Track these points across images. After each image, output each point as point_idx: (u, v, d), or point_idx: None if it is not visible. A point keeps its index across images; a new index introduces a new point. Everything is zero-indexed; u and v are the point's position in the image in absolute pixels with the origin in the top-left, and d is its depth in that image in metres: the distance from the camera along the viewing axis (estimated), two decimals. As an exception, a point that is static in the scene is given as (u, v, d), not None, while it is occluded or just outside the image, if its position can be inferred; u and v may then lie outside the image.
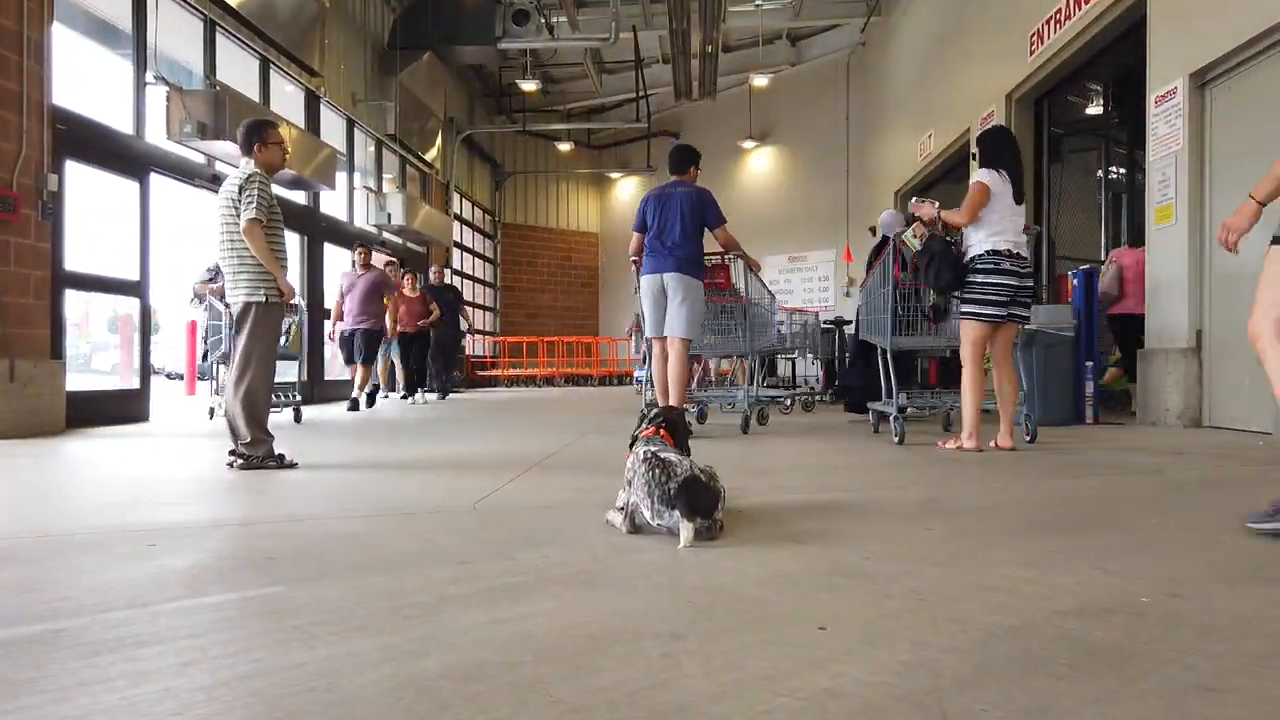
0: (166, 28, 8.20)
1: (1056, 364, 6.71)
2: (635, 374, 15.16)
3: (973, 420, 4.80)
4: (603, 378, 19.64)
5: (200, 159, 8.73)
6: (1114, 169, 11.12)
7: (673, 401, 5.52)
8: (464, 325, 12.97)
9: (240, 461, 4.17)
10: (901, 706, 1.22)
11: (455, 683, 1.33)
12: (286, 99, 10.87)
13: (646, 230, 5.79)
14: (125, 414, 7.48)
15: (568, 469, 4.21)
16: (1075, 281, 7.12)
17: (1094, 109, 10.98)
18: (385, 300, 9.81)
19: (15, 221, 6.15)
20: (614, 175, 21.91)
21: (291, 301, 4.54)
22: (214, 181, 8.55)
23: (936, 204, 5.07)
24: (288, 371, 7.90)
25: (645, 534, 2.46)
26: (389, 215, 13.09)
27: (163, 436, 6.29)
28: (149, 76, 7.96)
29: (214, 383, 7.72)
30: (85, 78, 7.42)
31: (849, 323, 10.41)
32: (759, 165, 19.72)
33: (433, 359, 11.84)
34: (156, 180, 8.02)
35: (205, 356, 7.77)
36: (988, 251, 4.75)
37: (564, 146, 20.78)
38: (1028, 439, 5.25)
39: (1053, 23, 8.59)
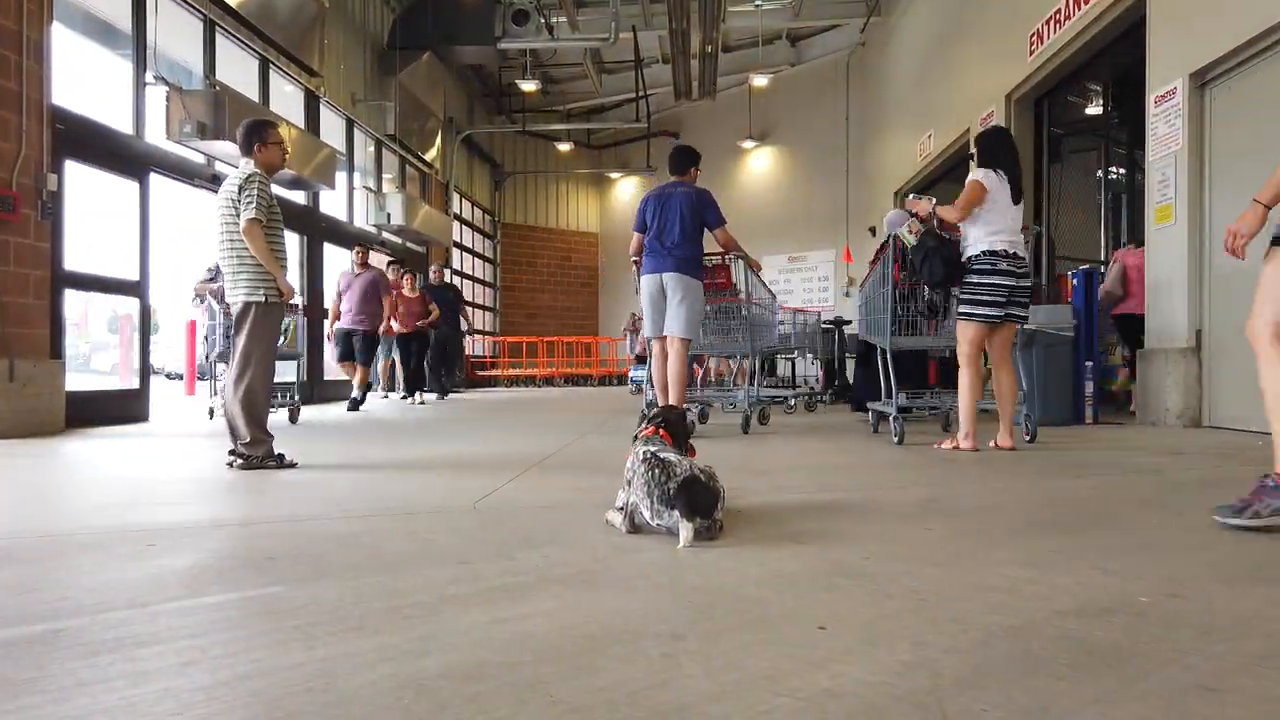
0: (166, 28, 8.20)
1: (1056, 364, 6.71)
2: (630, 374, 15.10)
3: (969, 420, 4.80)
4: (602, 378, 19.63)
5: (200, 159, 8.73)
6: (1114, 169, 11.12)
7: (672, 401, 5.52)
8: (464, 325, 12.95)
9: (240, 461, 4.17)
10: (901, 706, 1.22)
11: (455, 683, 1.33)
12: (286, 99, 10.87)
13: (646, 230, 5.80)
14: (125, 414, 7.48)
15: (567, 469, 4.21)
16: (1075, 281, 7.12)
17: (1094, 109, 10.98)
18: (383, 299, 9.78)
19: (15, 221, 6.15)
20: (614, 175, 21.91)
21: (291, 301, 4.54)
22: (214, 181, 8.55)
23: (933, 200, 5.07)
24: (286, 372, 7.91)
25: (645, 534, 2.46)
26: (388, 215, 13.09)
27: (162, 436, 6.29)
28: (149, 76, 7.96)
29: (213, 382, 7.72)
30: (85, 77, 7.42)
31: (849, 323, 10.42)
32: (759, 165, 19.72)
33: (432, 359, 11.83)
34: (156, 180, 8.02)
35: (208, 356, 7.78)
36: (984, 252, 4.75)
37: (564, 146, 20.78)
38: (1027, 439, 5.25)
39: (1052, 23, 8.59)
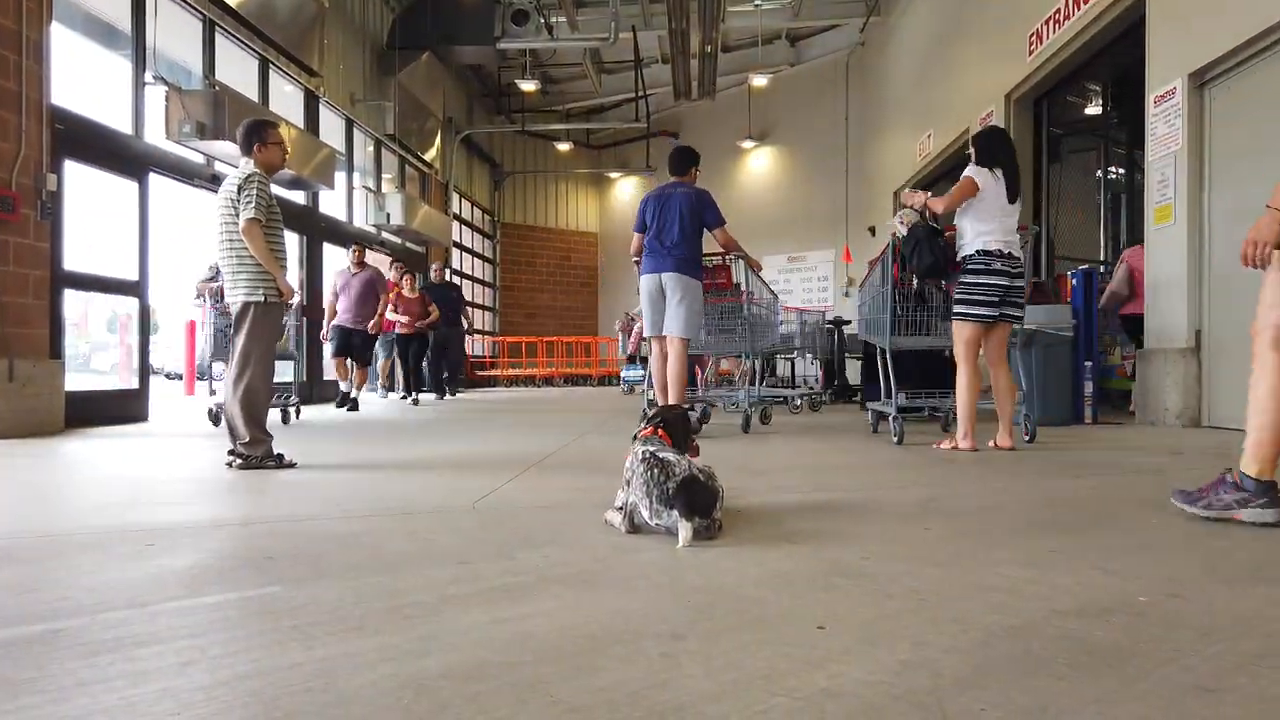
0: (165, 28, 8.20)
1: (1055, 364, 6.71)
2: (622, 374, 15.01)
3: (967, 420, 4.80)
4: (601, 378, 19.64)
5: (199, 159, 8.73)
6: (1113, 169, 11.12)
7: (672, 400, 5.53)
8: (465, 324, 12.90)
9: (239, 461, 4.17)
10: (900, 706, 1.22)
11: (455, 683, 1.33)
12: (285, 99, 10.87)
13: (646, 230, 5.81)
14: (124, 414, 7.48)
15: (567, 469, 4.21)
16: (1074, 281, 7.12)
17: (1093, 109, 10.99)
18: (379, 298, 9.75)
19: (14, 221, 6.15)
20: (613, 175, 21.92)
21: (291, 301, 4.54)
22: (213, 181, 8.55)
23: (928, 193, 5.09)
24: (284, 372, 7.91)
25: (644, 534, 2.46)
26: (388, 215, 13.10)
27: (162, 436, 6.29)
28: (148, 76, 7.96)
29: (210, 381, 7.70)
30: (84, 77, 7.42)
31: (848, 323, 10.42)
32: (758, 165, 19.72)
33: (432, 359, 11.83)
34: (155, 180, 8.02)
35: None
36: (978, 251, 4.75)
37: (563, 146, 20.79)
38: (1027, 439, 5.25)
39: (1052, 23, 8.59)
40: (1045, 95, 9.83)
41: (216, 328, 7.13)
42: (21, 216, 6.21)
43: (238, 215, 4.23)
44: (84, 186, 7.09)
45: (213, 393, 7.37)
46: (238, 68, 9.67)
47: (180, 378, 18.05)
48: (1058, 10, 8.44)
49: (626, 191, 21.78)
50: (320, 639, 1.54)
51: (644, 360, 14.01)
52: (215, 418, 6.86)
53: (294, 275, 10.57)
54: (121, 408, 7.51)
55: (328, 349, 9.67)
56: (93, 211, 7.40)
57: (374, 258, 12.80)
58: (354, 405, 9.32)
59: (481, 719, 1.20)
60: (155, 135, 8.05)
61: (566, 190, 22.06)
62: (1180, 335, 6.48)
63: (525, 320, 20.62)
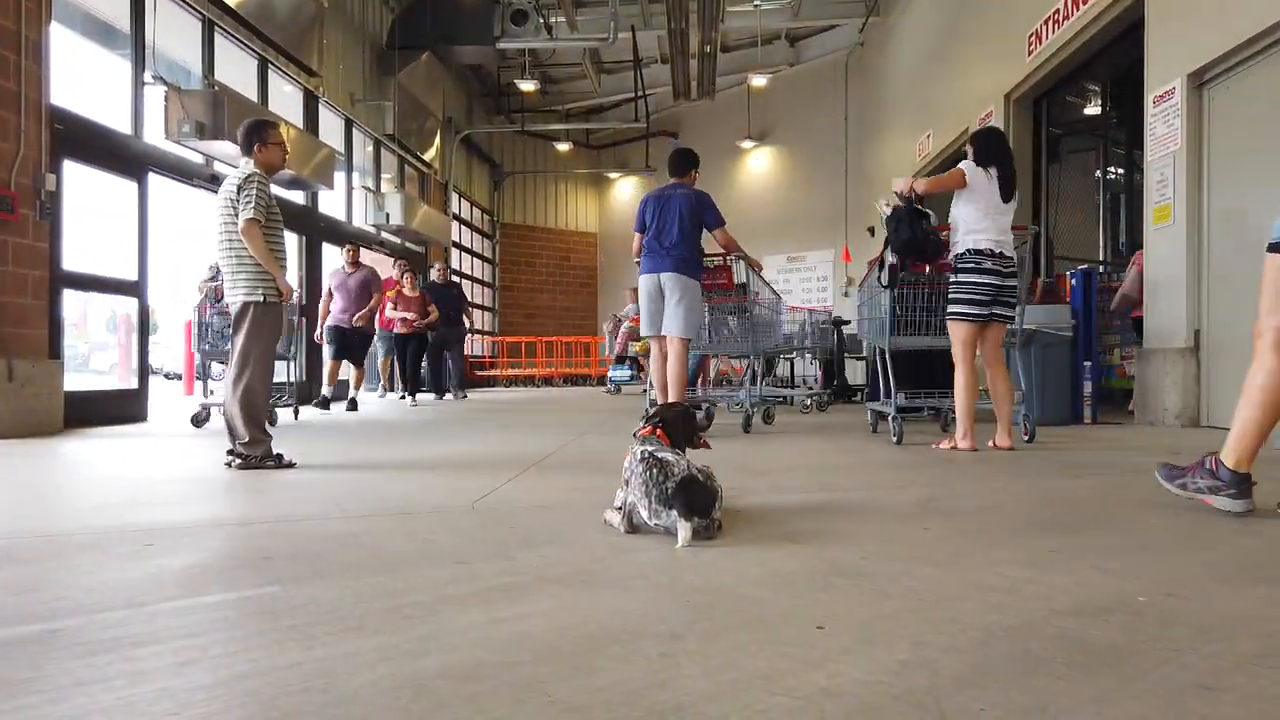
0: (165, 27, 8.20)
1: (1055, 364, 6.72)
2: (610, 374, 14.91)
3: (966, 420, 4.80)
4: (601, 378, 19.61)
5: (199, 159, 8.73)
6: (1112, 169, 11.13)
7: (672, 399, 5.53)
8: (466, 323, 12.83)
9: (238, 461, 4.16)
10: (899, 706, 1.22)
11: (453, 682, 1.33)
12: (285, 99, 10.86)
13: (645, 230, 5.82)
14: (123, 414, 7.48)
15: (566, 469, 4.21)
16: (1074, 281, 7.12)
17: (1092, 109, 11.00)
18: (374, 296, 9.68)
19: (13, 221, 6.15)
20: (612, 175, 21.91)
21: (290, 301, 4.54)
22: (212, 181, 8.55)
23: (914, 178, 5.11)
24: (278, 373, 7.88)
25: (643, 534, 2.46)
26: (387, 215, 13.09)
27: (161, 436, 6.29)
28: (147, 76, 7.96)
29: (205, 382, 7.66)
30: (83, 77, 7.42)
31: (847, 323, 10.43)
32: (757, 165, 19.72)
33: (431, 359, 11.82)
34: (155, 180, 8.02)
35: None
36: (969, 250, 4.76)
37: (562, 146, 20.78)
38: (1026, 439, 5.25)
39: (1051, 23, 8.60)
40: (1044, 95, 9.83)
41: (202, 322, 7.13)
42: (20, 216, 6.21)
43: (237, 215, 4.24)
44: (83, 186, 7.09)
45: (210, 393, 7.36)
46: (237, 68, 9.67)
47: (179, 378, 18.04)
48: (1057, 10, 8.44)
49: (626, 192, 21.77)
50: (319, 639, 1.54)
51: (631, 360, 14.01)
52: (197, 420, 6.86)
53: (293, 275, 10.54)
54: (120, 408, 7.51)
55: (327, 351, 9.61)
56: (92, 211, 7.39)
57: (373, 257, 12.82)
58: (353, 405, 9.31)
59: (479, 718, 1.20)
60: (154, 135, 8.05)
61: (566, 190, 22.06)
62: (1179, 335, 6.48)
63: (525, 320, 20.62)
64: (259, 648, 1.51)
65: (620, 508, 2.52)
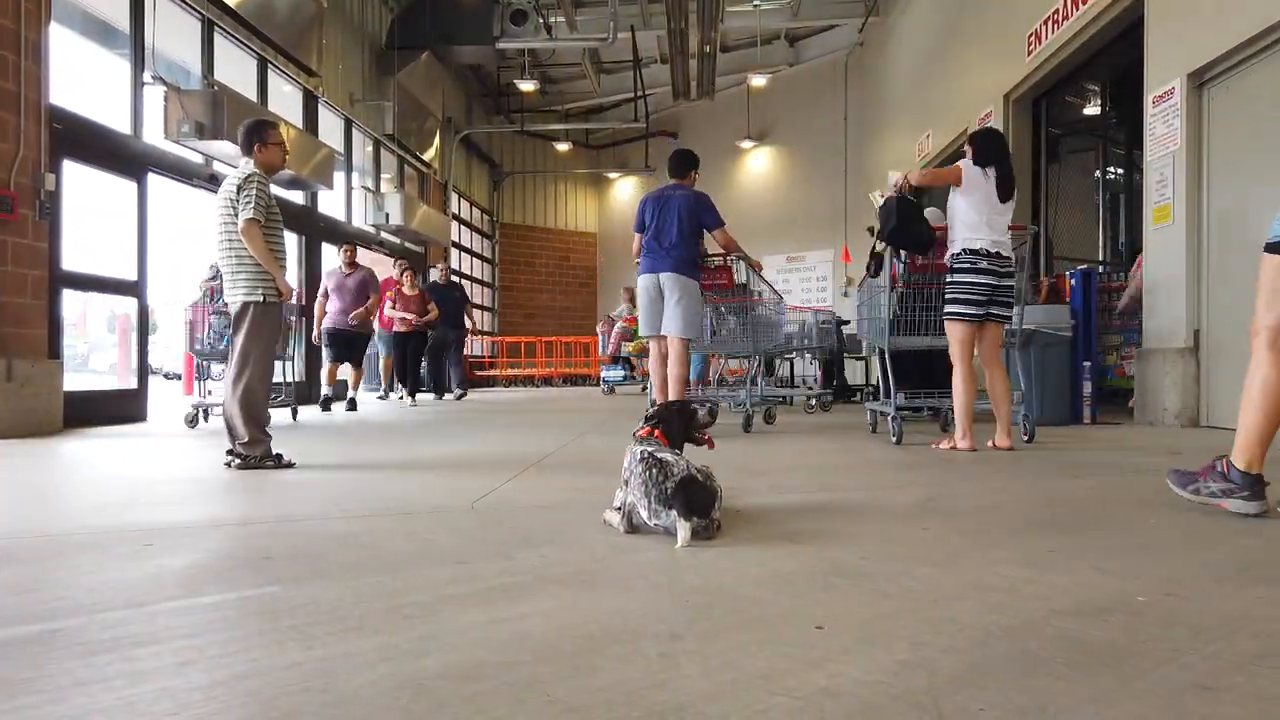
0: (164, 27, 8.20)
1: (1054, 364, 6.72)
2: (603, 374, 14.87)
3: (965, 420, 4.80)
4: (600, 378, 19.61)
5: (198, 159, 8.73)
6: (1112, 169, 11.14)
7: (672, 397, 5.54)
8: (468, 324, 12.81)
9: (238, 461, 4.16)
10: (898, 705, 1.23)
11: (453, 682, 1.33)
12: (284, 99, 10.86)
13: (645, 230, 5.84)
14: (123, 414, 7.48)
15: (565, 469, 4.21)
16: (1073, 281, 7.12)
17: (1092, 109, 11.00)
18: (371, 297, 9.64)
19: (12, 221, 6.15)
20: (612, 175, 21.90)
21: (289, 301, 4.54)
22: (212, 181, 8.55)
23: (912, 171, 5.13)
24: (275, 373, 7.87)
25: (643, 534, 2.46)
26: (387, 215, 13.09)
27: (160, 436, 6.29)
28: (147, 76, 7.96)
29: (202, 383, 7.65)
30: (83, 77, 7.42)
31: (847, 322, 10.43)
32: (757, 165, 19.72)
33: (430, 359, 11.81)
34: (154, 180, 8.02)
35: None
36: (964, 250, 4.77)
37: (562, 146, 20.78)
38: (1025, 439, 5.25)
39: (1050, 23, 8.60)
40: (1044, 95, 9.83)
41: (193, 322, 7.13)
42: (20, 216, 6.21)
43: (237, 215, 4.24)
44: (82, 186, 7.08)
45: (208, 393, 7.35)
46: (236, 67, 9.67)
47: (179, 378, 18.04)
48: (1056, 10, 8.44)
49: (625, 192, 21.76)
50: (319, 639, 1.54)
51: (624, 361, 14.00)
52: (191, 420, 6.87)
53: (293, 275, 10.53)
54: (120, 408, 7.51)
55: (325, 353, 9.59)
56: (91, 211, 7.39)
57: (372, 258, 12.82)
58: (352, 405, 9.31)
59: (479, 718, 1.20)
60: (154, 135, 8.05)
61: (565, 190, 22.05)
62: (1179, 335, 6.49)
63: (524, 320, 20.61)
64: (259, 648, 1.51)
65: (620, 508, 2.52)
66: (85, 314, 12.94)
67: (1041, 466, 4.21)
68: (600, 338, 16.27)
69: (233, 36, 9.52)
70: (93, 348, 15.25)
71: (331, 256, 11.64)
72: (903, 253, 5.40)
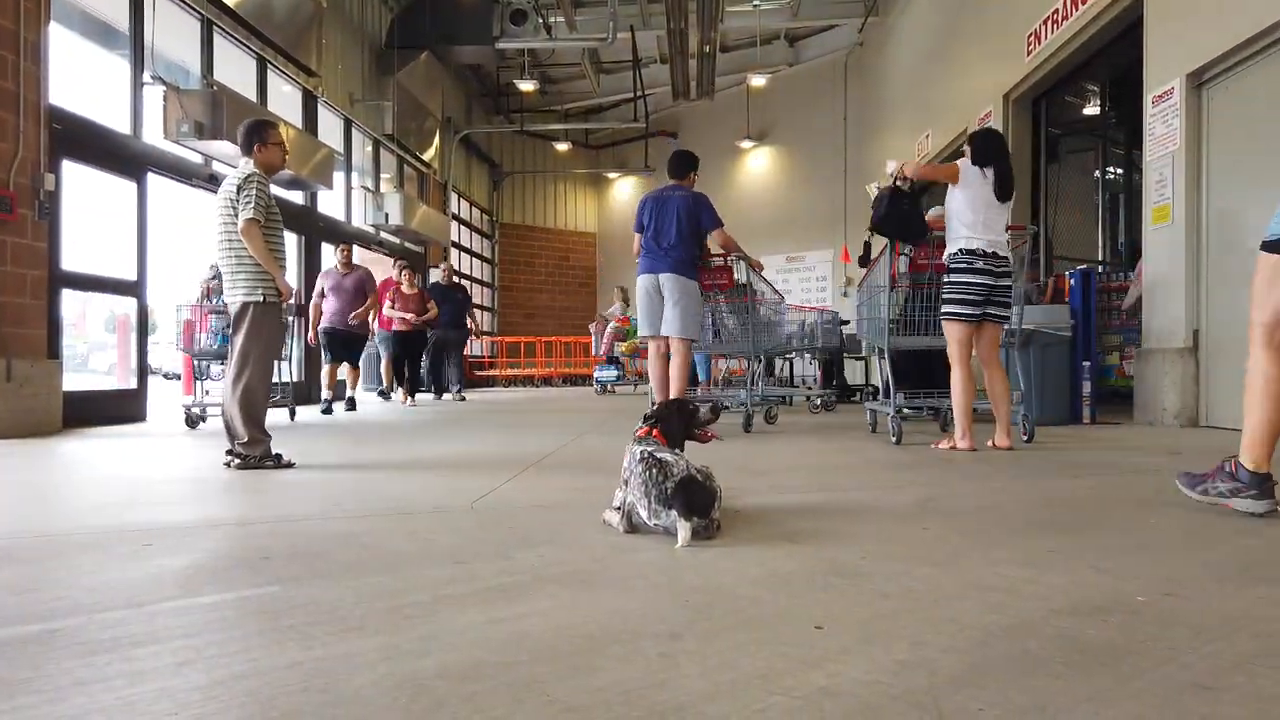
0: (164, 27, 8.20)
1: (1054, 364, 6.72)
2: (595, 374, 14.82)
3: (963, 420, 4.80)
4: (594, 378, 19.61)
5: (198, 159, 8.73)
6: (1111, 169, 11.14)
7: (673, 395, 5.55)
8: (470, 325, 12.79)
9: (237, 461, 4.17)
10: (898, 705, 1.23)
11: (452, 682, 1.33)
12: (284, 99, 10.86)
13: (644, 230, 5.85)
14: (122, 414, 7.48)
15: (565, 469, 4.21)
16: (1073, 281, 7.12)
17: (1091, 109, 11.00)
18: (369, 297, 9.60)
19: (12, 221, 6.15)
20: (612, 175, 21.90)
21: (289, 301, 4.54)
22: (211, 181, 8.55)
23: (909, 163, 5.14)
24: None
25: (642, 533, 2.46)
26: (386, 215, 13.09)
27: (160, 436, 6.29)
28: (146, 76, 7.96)
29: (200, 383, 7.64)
30: (82, 77, 7.42)
31: (846, 322, 10.43)
32: (757, 165, 19.72)
33: (430, 359, 11.80)
34: (154, 180, 8.02)
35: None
36: (960, 250, 4.76)
37: (562, 146, 20.78)
38: (1025, 439, 5.25)
39: (1050, 23, 8.60)
40: (1044, 95, 9.83)
41: (184, 319, 7.14)
42: (19, 216, 6.21)
43: (237, 215, 4.24)
44: (82, 186, 7.08)
45: (207, 393, 7.35)
46: (236, 67, 9.67)
47: (178, 378, 18.03)
48: (1056, 10, 8.44)
49: (625, 192, 21.76)
50: (318, 639, 1.54)
51: (617, 361, 14.00)
52: (190, 420, 6.86)
53: (292, 275, 10.52)
54: (119, 408, 7.51)
55: (324, 355, 9.56)
56: (91, 211, 7.39)
57: (371, 258, 12.81)
58: (351, 405, 9.30)
59: (478, 718, 1.20)
60: (153, 135, 8.05)
61: (565, 190, 22.05)
62: (1178, 335, 6.49)
63: (524, 320, 20.61)
64: (258, 647, 1.51)
65: (619, 508, 2.52)
66: (85, 314, 12.93)
67: (1041, 466, 4.21)
68: (593, 337, 16.27)
69: (232, 36, 9.52)
70: (92, 348, 15.25)
71: (330, 256, 11.63)
72: (905, 252, 5.40)
